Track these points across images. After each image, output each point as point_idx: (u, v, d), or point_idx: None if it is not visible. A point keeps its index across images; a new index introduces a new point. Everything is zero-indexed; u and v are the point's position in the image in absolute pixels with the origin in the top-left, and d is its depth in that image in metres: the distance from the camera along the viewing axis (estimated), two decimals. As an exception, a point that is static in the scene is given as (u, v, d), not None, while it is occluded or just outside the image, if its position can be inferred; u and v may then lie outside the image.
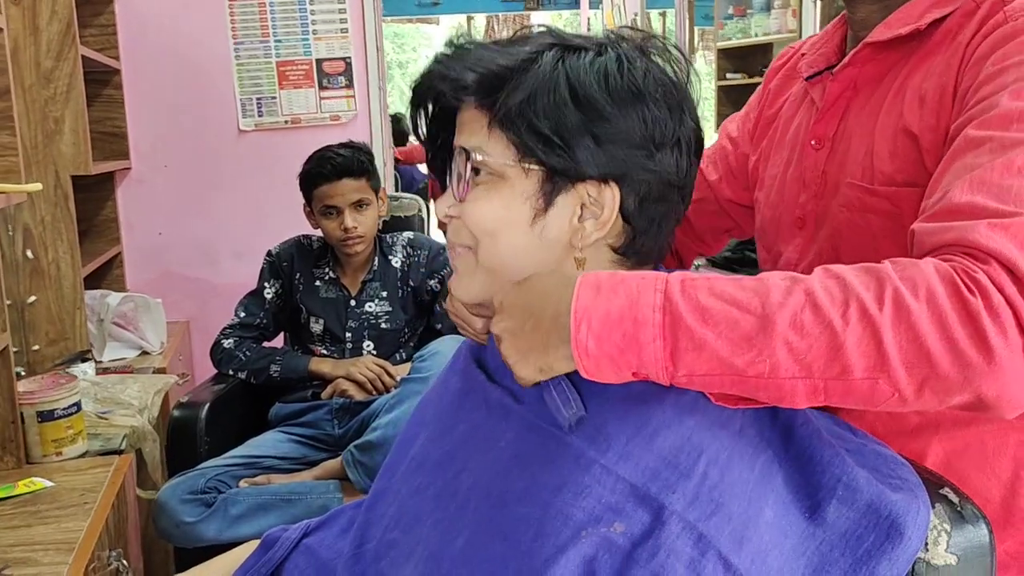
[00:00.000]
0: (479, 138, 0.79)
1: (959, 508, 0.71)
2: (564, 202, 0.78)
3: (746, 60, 5.01)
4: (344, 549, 0.99)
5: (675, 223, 0.85)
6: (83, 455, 1.85)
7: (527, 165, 0.78)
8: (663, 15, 6.38)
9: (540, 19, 6.60)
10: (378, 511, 0.97)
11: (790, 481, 0.73)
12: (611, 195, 0.78)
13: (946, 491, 0.72)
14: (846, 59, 0.95)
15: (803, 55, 1.08)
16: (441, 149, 0.88)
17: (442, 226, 0.89)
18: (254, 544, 1.10)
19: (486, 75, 0.78)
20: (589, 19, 5.73)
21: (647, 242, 0.82)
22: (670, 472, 0.69)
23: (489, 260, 0.81)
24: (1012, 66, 0.77)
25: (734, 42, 5.07)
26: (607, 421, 0.73)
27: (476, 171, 0.80)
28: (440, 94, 0.81)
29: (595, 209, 0.79)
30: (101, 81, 2.82)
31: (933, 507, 0.71)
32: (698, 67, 4.96)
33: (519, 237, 0.79)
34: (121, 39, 2.85)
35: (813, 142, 0.98)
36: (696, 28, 5.95)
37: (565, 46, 0.80)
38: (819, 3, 3.33)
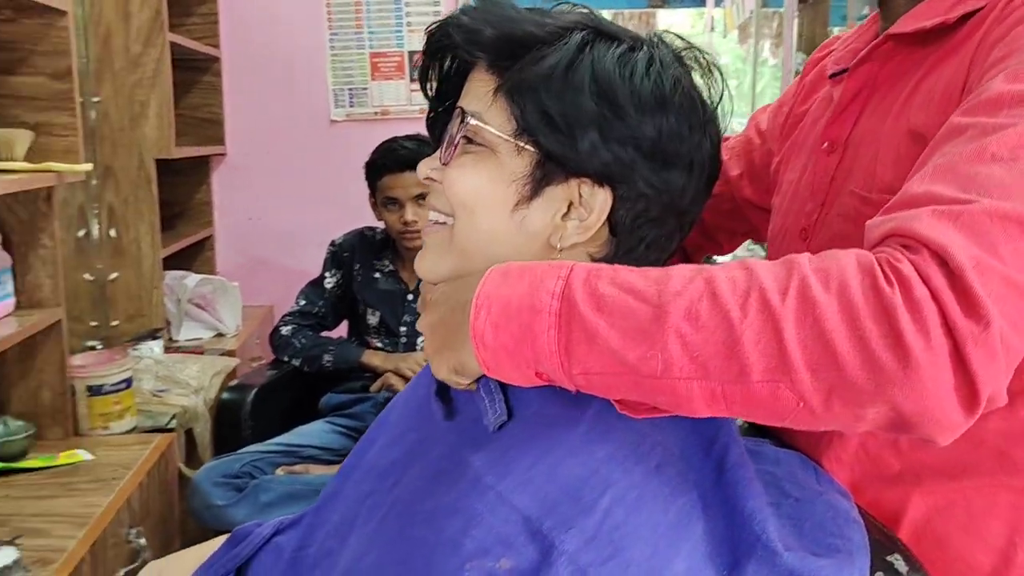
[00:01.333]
0: (481, 103, 0.73)
1: (903, 580, 0.60)
2: (552, 194, 0.71)
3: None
4: (288, 551, 0.95)
5: (667, 253, 0.77)
6: (131, 431, 1.89)
7: (522, 144, 0.71)
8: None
9: (666, 17, 6.43)
10: (324, 515, 0.94)
11: (713, 531, 0.63)
12: (603, 199, 0.71)
13: (895, 558, 0.61)
14: (864, 52, 0.84)
15: (833, 50, 0.96)
16: (445, 112, 0.81)
17: None
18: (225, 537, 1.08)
19: (506, 36, 0.72)
20: (713, 17, 5.54)
21: (630, 264, 0.74)
22: (570, 506, 0.62)
23: (463, 239, 0.74)
24: (1019, 49, 0.64)
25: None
26: (513, 444, 0.66)
27: (469, 139, 0.73)
28: (452, 45, 0.75)
29: (583, 211, 0.72)
30: (201, 68, 2.91)
31: (873, 576, 0.60)
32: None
33: (497, 220, 0.72)
34: (222, 28, 2.93)
35: (825, 145, 0.87)
36: (832, 29, 5.66)
37: (598, 31, 0.73)
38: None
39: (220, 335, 2.62)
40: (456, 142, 0.73)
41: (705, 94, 0.75)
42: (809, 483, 0.71)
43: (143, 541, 1.56)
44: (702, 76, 0.75)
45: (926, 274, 0.54)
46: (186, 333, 2.57)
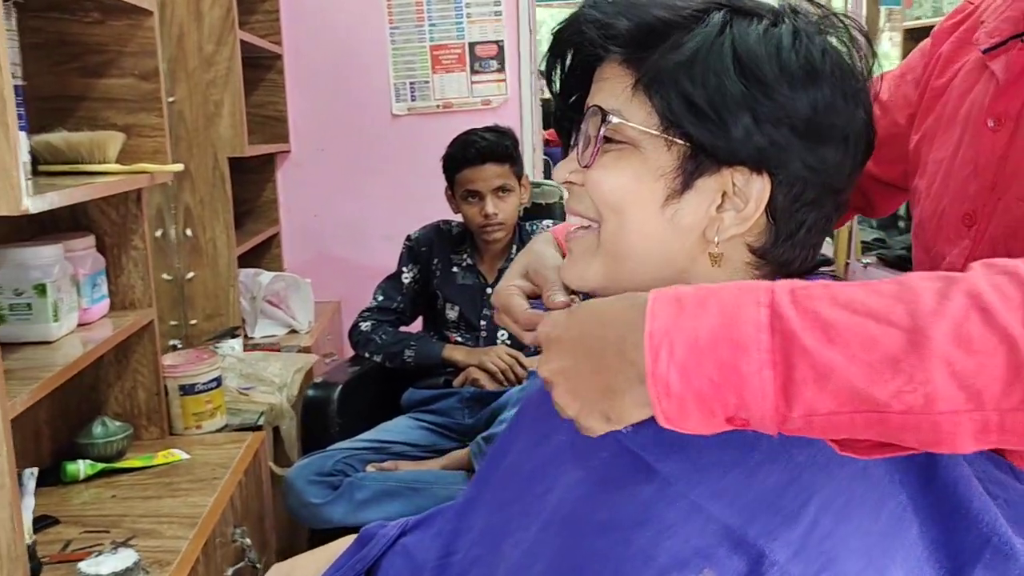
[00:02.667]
0: (619, 99, 0.70)
1: None
2: (705, 186, 0.68)
3: (936, 40, 4.58)
4: (430, 557, 0.93)
5: (824, 234, 0.74)
6: (222, 429, 1.90)
7: (670, 137, 0.68)
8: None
9: None
10: (467, 520, 0.92)
11: (927, 535, 0.60)
12: (761, 186, 0.67)
13: None
14: None
15: (982, 22, 0.92)
16: (573, 108, 0.79)
17: None
18: (352, 538, 1.07)
19: (641, 26, 0.69)
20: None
21: (789, 250, 0.71)
22: (772, 515, 0.59)
23: (612, 241, 0.71)
24: None
25: (924, 21, 4.66)
26: (703, 449, 0.63)
27: (608, 138, 0.70)
28: (585, 41, 0.72)
29: (738, 200, 0.68)
30: (265, 66, 2.91)
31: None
32: (885, 50, 4.61)
33: (647, 218, 0.69)
34: (284, 24, 2.92)
35: (990, 122, 0.83)
36: (881, 8, 5.54)
37: (735, 9, 0.70)
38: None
39: (293, 331, 2.63)
40: (598, 143, 0.71)
41: (850, 59, 0.71)
42: (1009, 482, 0.68)
43: (248, 540, 1.57)
44: (842, 42, 0.71)
45: None
46: (261, 330, 2.58)
